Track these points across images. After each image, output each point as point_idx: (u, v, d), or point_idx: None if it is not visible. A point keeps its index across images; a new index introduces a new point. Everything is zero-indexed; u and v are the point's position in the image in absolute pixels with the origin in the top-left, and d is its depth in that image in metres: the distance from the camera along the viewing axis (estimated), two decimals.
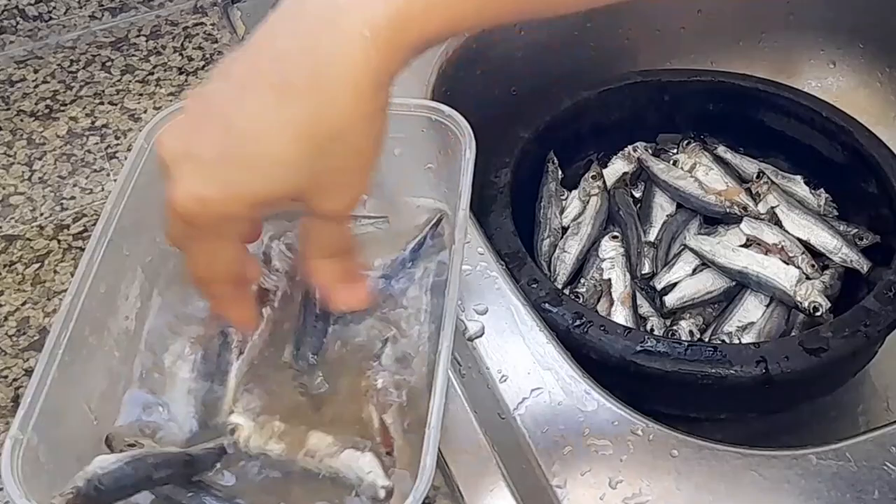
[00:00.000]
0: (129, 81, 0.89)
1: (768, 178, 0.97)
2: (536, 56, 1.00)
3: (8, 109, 0.87)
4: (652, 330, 0.87)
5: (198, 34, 0.94)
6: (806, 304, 0.85)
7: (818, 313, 0.85)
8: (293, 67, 0.46)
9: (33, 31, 0.92)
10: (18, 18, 0.91)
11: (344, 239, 0.54)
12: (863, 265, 0.89)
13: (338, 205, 0.50)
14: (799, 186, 0.98)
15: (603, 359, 0.75)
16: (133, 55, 0.92)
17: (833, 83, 1.14)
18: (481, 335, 0.69)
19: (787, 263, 0.89)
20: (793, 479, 0.62)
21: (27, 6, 0.91)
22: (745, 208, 0.94)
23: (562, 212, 0.97)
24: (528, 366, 0.68)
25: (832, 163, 0.95)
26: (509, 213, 0.84)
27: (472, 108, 0.97)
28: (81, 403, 0.57)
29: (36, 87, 0.89)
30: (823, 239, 0.91)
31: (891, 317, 0.76)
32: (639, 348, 0.74)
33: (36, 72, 0.90)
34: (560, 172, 0.98)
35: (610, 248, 0.92)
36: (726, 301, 0.91)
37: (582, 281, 0.91)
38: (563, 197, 0.99)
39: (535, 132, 0.93)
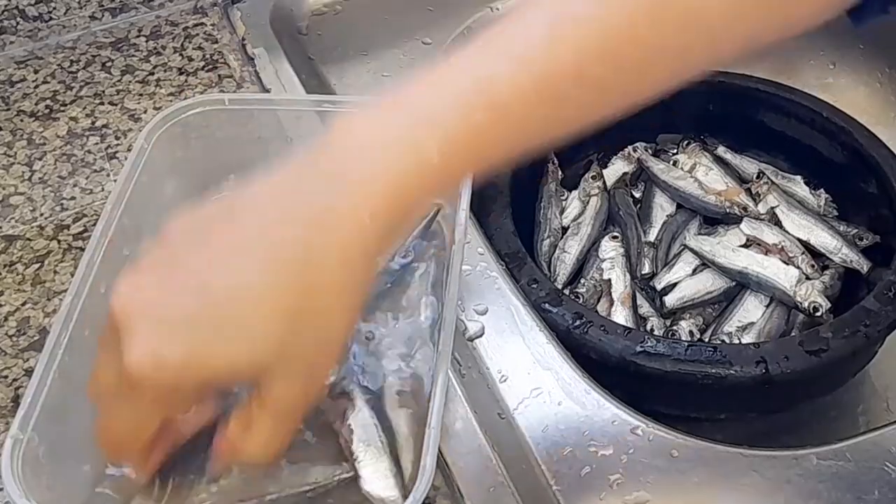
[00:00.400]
0: (130, 82, 0.89)
1: (768, 178, 0.97)
2: None
3: (8, 110, 0.87)
4: (652, 330, 0.87)
5: (198, 34, 0.94)
6: (806, 304, 0.85)
7: (818, 313, 0.84)
8: (286, 241, 0.45)
9: (33, 31, 0.93)
10: (18, 19, 0.91)
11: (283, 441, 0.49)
12: (863, 265, 0.89)
13: (296, 391, 0.47)
14: (799, 186, 0.97)
15: (603, 359, 0.75)
16: (133, 55, 0.92)
17: (833, 83, 1.13)
18: (481, 335, 0.69)
19: (787, 264, 0.89)
20: (793, 479, 0.62)
21: (27, 6, 0.91)
22: (745, 208, 0.94)
23: (562, 212, 0.97)
24: (528, 366, 0.68)
25: (832, 163, 0.95)
26: (509, 213, 0.84)
27: None
28: (81, 403, 0.57)
29: (36, 87, 0.89)
30: (823, 239, 0.91)
31: (891, 317, 0.76)
32: (639, 348, 0.74)
33: (36, 72, 0.90)
34: (560, 173, 0.98)
35: (610, 249, 0.92)
36: (726, 301, 0.90)
37: (582, 281, 0.91)
38: (563, 197, 0.98)
39: None
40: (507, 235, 0.82)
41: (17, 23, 0.91)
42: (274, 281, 0.44)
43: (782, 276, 0.87)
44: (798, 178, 0.98)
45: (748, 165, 1.00)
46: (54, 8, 0.92)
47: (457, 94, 0.47)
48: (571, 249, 0.93)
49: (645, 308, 0.90)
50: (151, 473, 0.53)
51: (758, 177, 0.97)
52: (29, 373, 0.66)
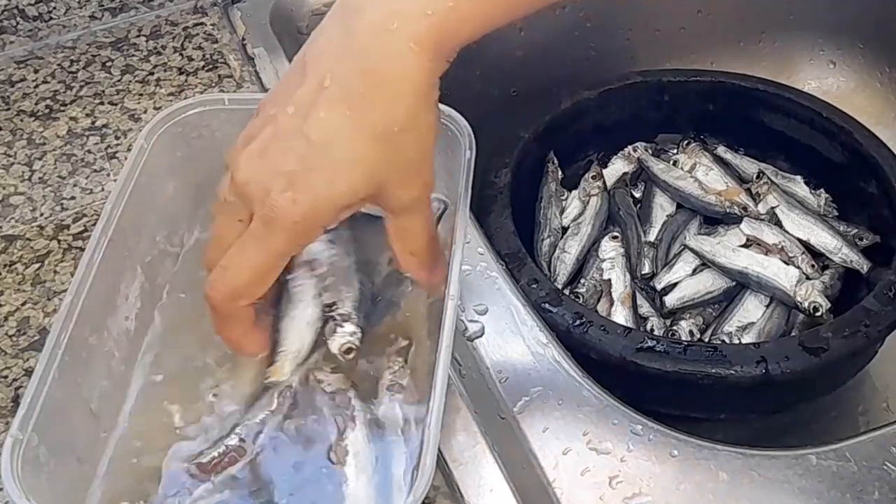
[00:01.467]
0: (130, 81, 0.89)
1: (768, 178, 0.98)
2: (535, 56, 1.00)
3: (8, 109, 0.87)
4: (652, 330, 0.87)
5: (198, 34, 0.94)
6: (806, 304, 0.85)
7: (818, 313, 0.85)
8: (357, 85, 0.52)
9: (33, 31, 0.92)
10: (18, 18, 0.91)
11: (428, 229, 0.58)
12: (863, 265, 0.89)
13: (414, 192, 0.55)
14: (799, 186, 0.98)
15: (603, 359, 0.75)
16: (133, 55, 0.92)
17: (833, 83, 1.14)
18: (481, 335, 0.69)
19: (788, 264, 0.89)
20: (793, 479, 0.62)
21: (27, 6, 0.91)
22: (745, 208, 0.94)
23: (562, 212, 0.98)
24: (529, 366, 0.68)
25: (832, 163, 0.96)
26: (509, 213, 0.84)
27: (472, 108, 0.98)
28: (81, 403, 0.57)
29: (36, 87, 0.89)
30: (823, 239, 0.91)
31: (891, 317, 0.76)
32: (639, 348, 0.74)
33: (36, 72, 0.90)
34: (560, 172, 0.99)
35: (610, 249, 0.92)
36: (726, 301, 0.91)
37: (582, 281, 0.91)
38: (563, 197, 0.99)
39: (535, 132, 0.93)
40: (507, 235, 0.82)
41: (17, 23, 0.91)
42: (357, 113, 0.51)
43: (782, 276, 0.87)
44: (798, 178, 0.99)
45: (748, 165, 1.00)
46: (54, 8, 0.92)
47: None
48: (571, 249, 0.93)
49: (645, 308, 0.90)
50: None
51: (758, 177, 0.97)
52: (29, 373, 0.66)
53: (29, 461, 0.50)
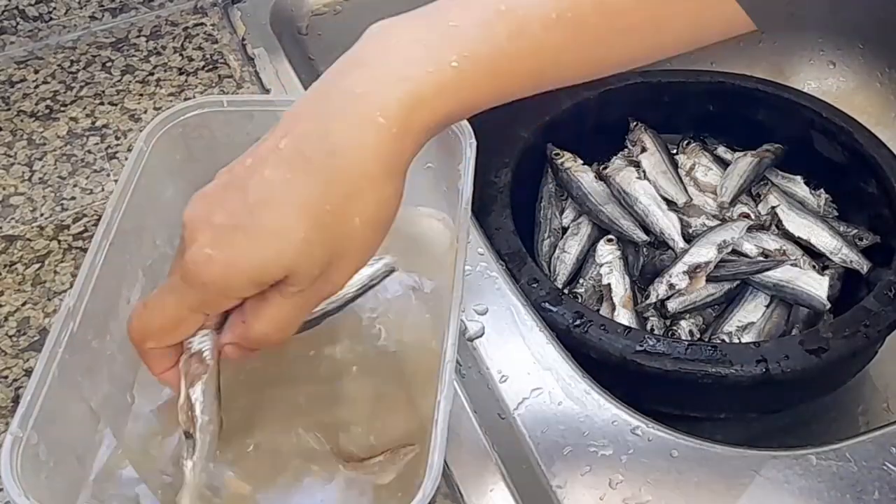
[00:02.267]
0: (130, 82, 0.89)
1: (768, 178, 0.98)
2: None
3: (8, 110, 0.87)
4: (652, 329, 0.87)
5: (198, 34, 0.94)
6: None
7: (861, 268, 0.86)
8: (310, 146, 0.48)
9: (34, 31, 0.92)
10: (18, 19, 0.91)
11: (300, 320, 0.52)
12: (863, 265, 0.89)
13: (333, 277, 0.50)
14: (799, 187, 0.98)
15: (603, 358, 0.75)
16: (133, 56, 0.92)
17: (833, 83, 1.14)
18: (481, 335, 0.69)
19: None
20: (793, 479, 0.62)
21: (27, 6, 0.91)
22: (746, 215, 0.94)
23: (562, 212, 0.97)
24: (529, 366, 0.68)
25: (832, 163, 0.96)
26: (509, 212, 0.84)
27: None
28: (81, 403, 0.57)
29: (36, 87, 0.89)
30: (823, 239, 0.91)
31: (891, 317, 0.76)
32: (639, 348, 0.74)
33: (36, 72, 0.90)
34: (561, 159, 0.98)
35: (607, 253, 0.91)
36: (727, 302, 0.91)
37: (581, 281, 0.91)
38: (563, 197, 0.99)
39: (535, 132, 0.93)
40: (508, 235, 0.82)
41: (18, 23, 0.91)
42: (297, 179, 0.48)
43: (816, 286, 0.87)
44: (798, 178, 0.99)
45: None
46: (54, 8, 0.92)
47: (482, 10, 0.50)
48: (571, 249, 0.93)
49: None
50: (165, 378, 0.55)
51: (762, 181, 0.97)
52: (29, 373, 0.66)
53: (29, 459, 0.50)
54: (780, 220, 0.93)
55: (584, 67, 0.54)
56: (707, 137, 1.03)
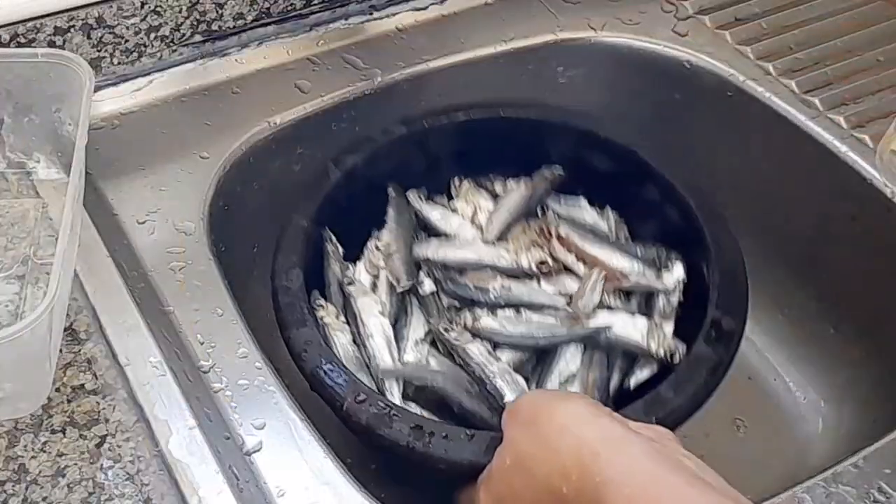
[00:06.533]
0: None
1: (550, 206, 0.94)
2: (314, 171, 0.91)
3: None
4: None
5: None
6: (662, 352, 0.81)
7: (675, 360, 0.81)
8: None
9: None
10: None
11: None
12: (668, 284, 0.86)
13: None
14: (585, 209, 0.94)
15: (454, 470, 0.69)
16: None
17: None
18: (259, 450, 0.68)
19: (633, 315, 0.85)
20: None
21: None
22: (542, 263, 0.87)
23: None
24: (307, 481, 0.67)
25: (611, 175, 0.93)
26: (314, 323, 0.77)
27: (251, 224, 0.92)
28: None
29: None
30: (621, 264, 0.87)
31: (724, 358, 0.75)
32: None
33: None
34: (341, 249, 0.90)
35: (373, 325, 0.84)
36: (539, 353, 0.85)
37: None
38: (349, 272, 0.89)
39: (311, 217, 0.85)
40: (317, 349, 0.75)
41: None
42: None
43: (631, 328, 0.83)
44: (581, 199, 0.95)
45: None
46: None
47: None
48: (376, 330, 0.83)
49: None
50: None
51: (542, 211, 0.93)
52: None
53: None
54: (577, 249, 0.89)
55: None
56: (479, 176, 0.97)
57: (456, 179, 0.96)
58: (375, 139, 0.91)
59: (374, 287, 0.89)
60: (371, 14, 1.03)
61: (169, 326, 0.75)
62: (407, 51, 1.01)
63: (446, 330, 0.83)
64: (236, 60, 0.97)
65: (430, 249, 0.89)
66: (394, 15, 1.04)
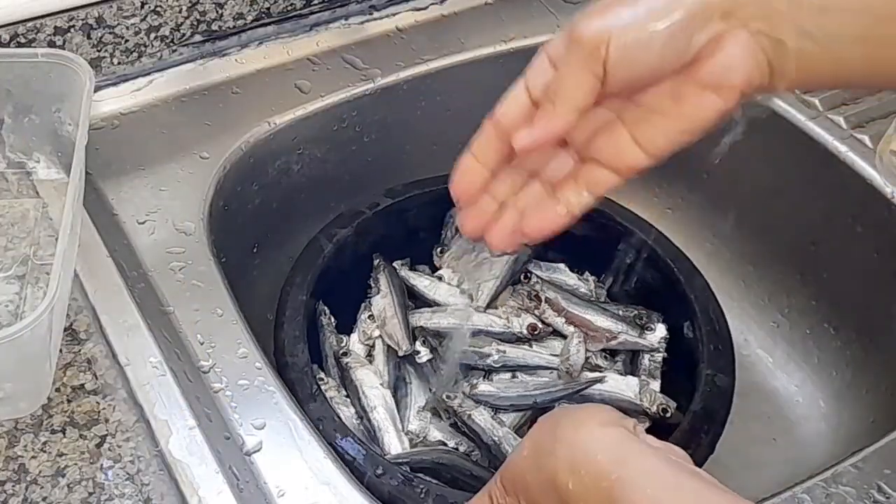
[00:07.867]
0: None
1: (532, 272, 0.94)
2: (313, 171, 0.93)
3: None
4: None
5: None
6: (654, 408, 0.82)
7: (668, 415, 0.82)
8: None
9: None
10: None
11: None
12: (650, 344, 0.88)
13: None
14: (565, 275, 0.95)
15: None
16: None
17: None
18: (259, 450, 0.68)
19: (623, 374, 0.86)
20: None
21: None
22: (534, 328, 0.89)
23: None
24: (306, 481, 0.67)
25: (588, 240, 0.92)
26: (322, 397, 0.77)
27: (251, 224, 0.93)
28: None
29: None
30: (605, 325, 0.89)
31: (720, 415, 0.77)
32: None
33: None
34: (334, 321, 0.91)
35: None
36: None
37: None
38: (343, 344, 0.91)
39: (307, 289, 0.85)
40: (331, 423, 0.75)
41: None
42: None
43: (623, 386, 0.84)
44: (561, 265, 0.96)
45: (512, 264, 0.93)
46: None
47: None
48: (377, 401, 0.85)
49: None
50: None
51: (525, 277, 0.93)
52: None
53: None
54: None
55: None
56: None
57: (438, 249, 0.97)
58: (363, 211, 0.92)
59: (370, 357, 0.90)
60: (371, 14, 1.04)
61: (169, 326, 0.75)
62: (407, 51, 1.02)
63: (449, 398, 0.84)
64: (236, 60, 0.98)
65: (424, 318, 0.90)
66: (394, 15, 1.04)
